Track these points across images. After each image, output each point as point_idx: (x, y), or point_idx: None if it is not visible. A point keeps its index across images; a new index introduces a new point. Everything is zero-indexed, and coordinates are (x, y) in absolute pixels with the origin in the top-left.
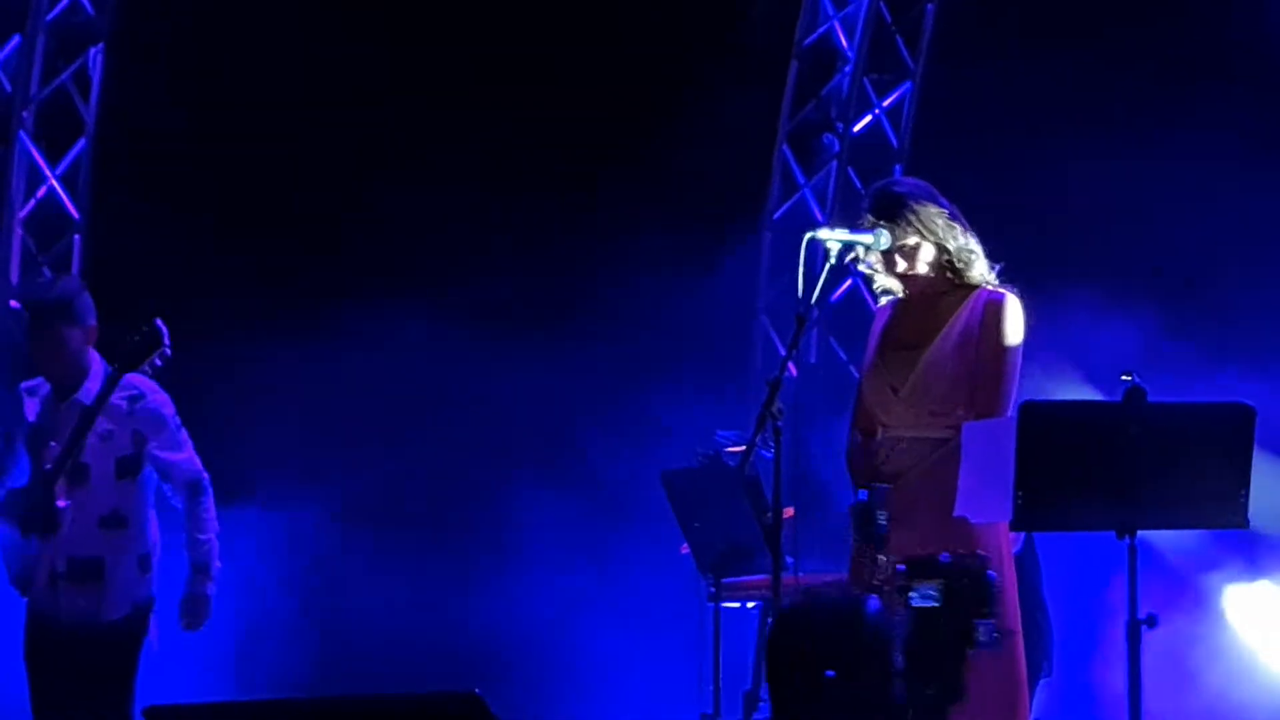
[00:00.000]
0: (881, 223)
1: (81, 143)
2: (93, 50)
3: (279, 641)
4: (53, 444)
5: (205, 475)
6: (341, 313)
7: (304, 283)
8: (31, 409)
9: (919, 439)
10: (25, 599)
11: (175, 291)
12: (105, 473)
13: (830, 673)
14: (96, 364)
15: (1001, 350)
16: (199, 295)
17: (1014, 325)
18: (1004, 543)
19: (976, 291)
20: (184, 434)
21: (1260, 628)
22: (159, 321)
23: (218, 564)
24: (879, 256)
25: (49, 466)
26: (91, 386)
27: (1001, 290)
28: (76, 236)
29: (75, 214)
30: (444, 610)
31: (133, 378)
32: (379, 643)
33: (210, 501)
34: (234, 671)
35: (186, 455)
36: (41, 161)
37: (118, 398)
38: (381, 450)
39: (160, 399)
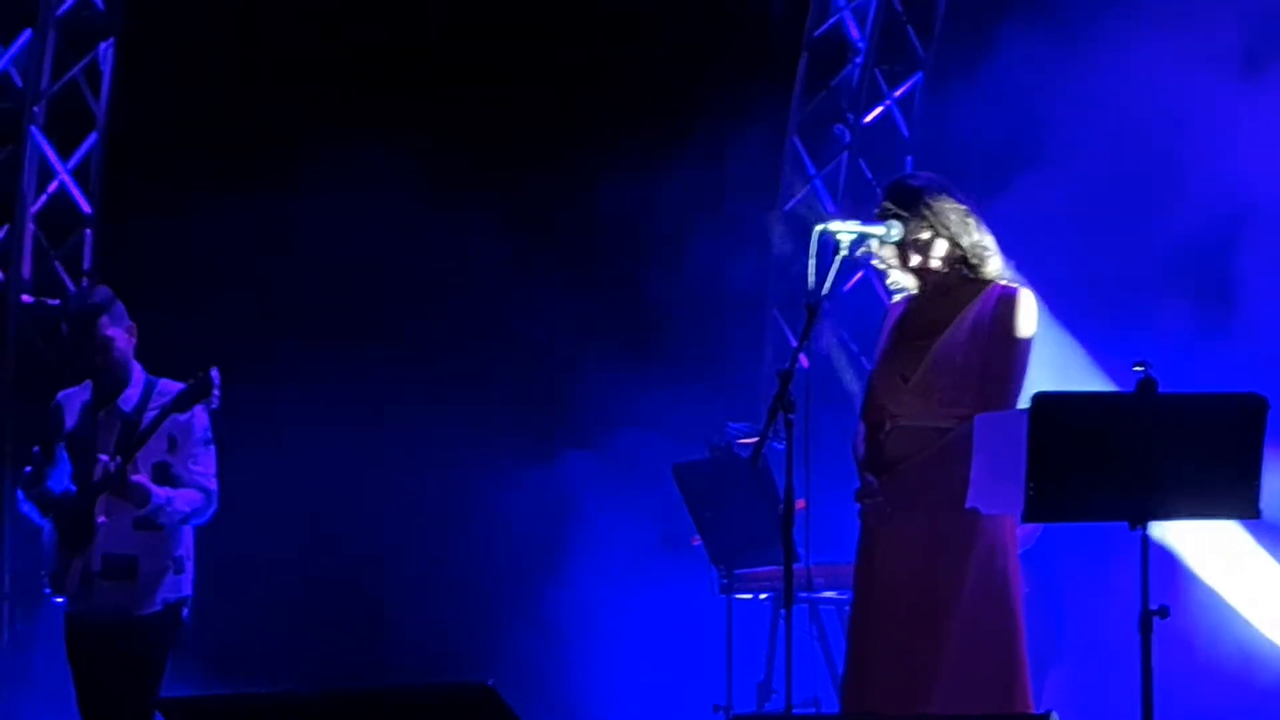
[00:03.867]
0: (896, 216)
1: (93, 137)
2: (103, 45)
3: (289, 632)
4: (103, 457)
5: (215, 492)
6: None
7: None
8: (70, 417)
9: (925, 428)
10: (62, 599)
11: (186, 287)
12: (145, 479)
13: None
14: (137, 371)
15: (1012, 343)
16: (210, 292)
17: (1026, 319)
18: (1008, 533)
19: (990, 286)
20: (211, 450)
21: (1267, 609)
22: (214, 371)
23: (164, 515)
24: (892, 250)
25: (96, 480)
26: (132, 394)
27: (1015, 285)
28: (88, 231)
29: (87, 209)
30: (457, 601)
31: (174, 386)
32: (391, 633)
33: (206, 513)
34: (246, 663)
35: (204, 470)
36: (53, 156)
37: (155, 404)
38: (400, 431)
39: (196, 410)
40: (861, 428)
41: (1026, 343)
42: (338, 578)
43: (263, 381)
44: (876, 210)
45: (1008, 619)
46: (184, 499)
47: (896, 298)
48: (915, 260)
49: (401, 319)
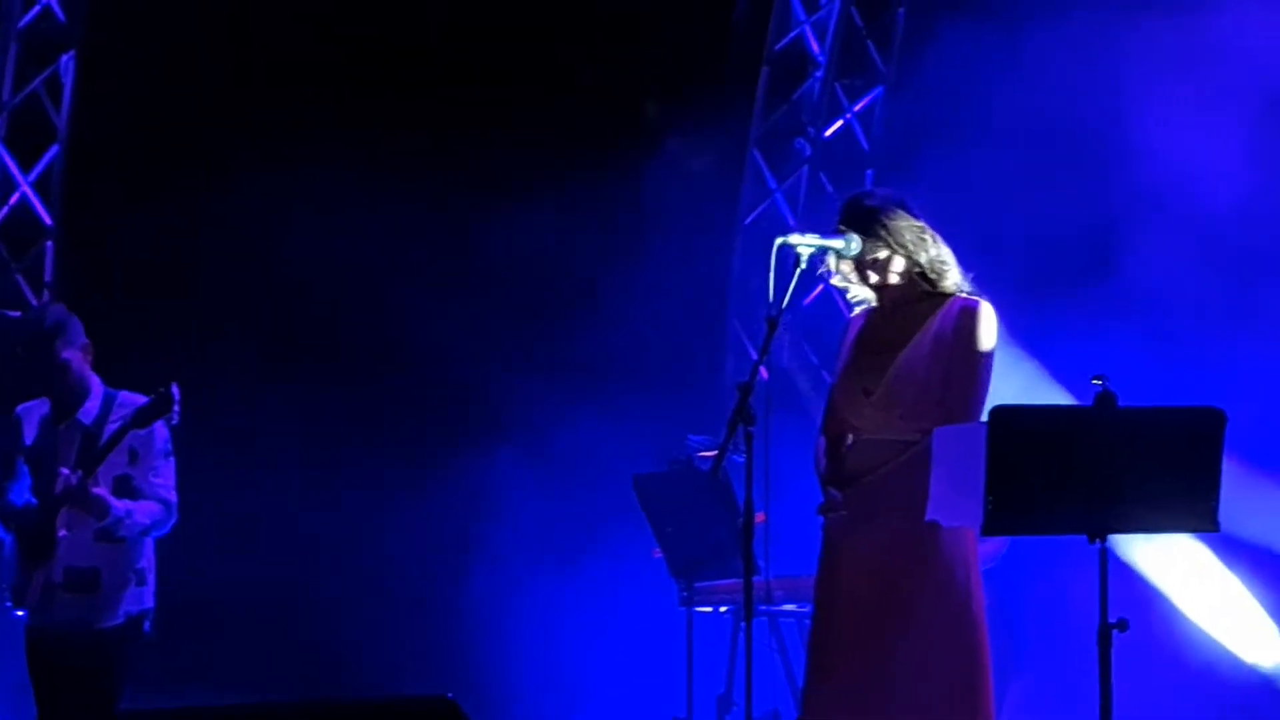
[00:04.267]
0: (853, 235)
1: (54, 149)
2: (64, 57)
3: (250, 642)
4: (63, 470)
5: (175, 504)
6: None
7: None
8: (29, 430)
9: (887, 441)
10: (24, 611)
11: (147, 299)
12: (104, 492)
13: None
14: (96, 384)
15: (973, 356)
16: (172, 302)
17: (987, 332)
18: (970, 547)
19: (950, 299)
20: (171, 463)
21: (1225, 620)
22: (175, 387)
23: (124, 527)
24: (851, 265)
25: (57, 493)
26: (91, 407)
27: (975, 298)
28: (49, 244)
29: (48, 221)
30: (417, 613)
31: (134, 398)
32: (352, 645)
33: (166, 525)
34: (207, 674)
35: (164, 482)
36: (14, 169)
37: (116, 416)
38: (364, 449)
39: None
40: (822, 441)
41: (988, 355)
42: (296, 593)
43: (216, 392)
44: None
45: (970, 632)
46: (144, 511)
47: (857, 310)
48: (874, 278)
49: (360, 332)
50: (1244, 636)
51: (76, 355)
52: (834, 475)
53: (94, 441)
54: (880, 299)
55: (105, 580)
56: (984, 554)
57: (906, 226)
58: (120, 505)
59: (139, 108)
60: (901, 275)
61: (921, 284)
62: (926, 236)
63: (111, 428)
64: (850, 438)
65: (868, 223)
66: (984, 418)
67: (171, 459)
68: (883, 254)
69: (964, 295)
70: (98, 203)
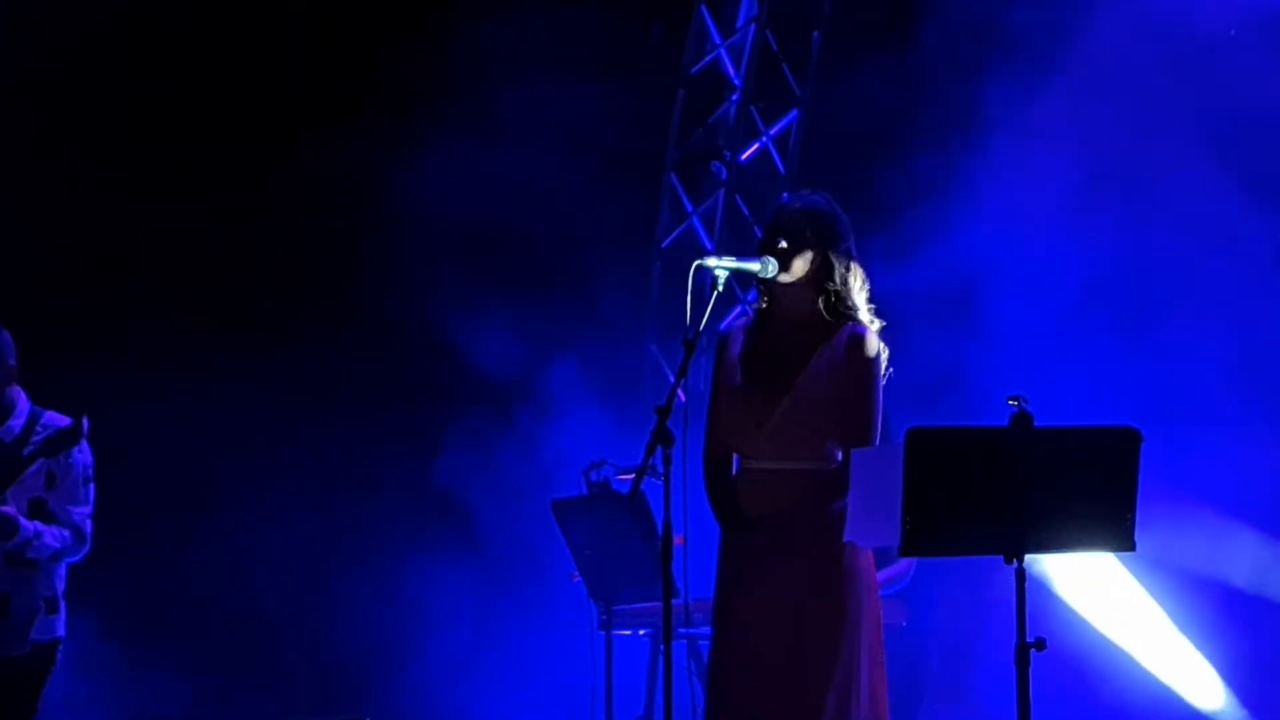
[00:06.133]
0: (769, 259)
1: None
2: None
3: (175, 667)
4: None
5: (89, 533)
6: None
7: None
8: None
9: (784, 471)
10: None
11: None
12: (17, 512)
13: None
14: (22, 401)
15: (868, 380)
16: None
17: (878, 357)
18: (871, 570)
19: (842, 325)
20: (90, 490)
21: (1142, 640)
22: (85, 420)
23: (31, 548)
24: (764, 286)
25: None
26: (14, 424)
27: (863, 324)
28: None
29: None
30: (331, 635)
31: (57, 418)
32: (274, 670)
33: (78, 552)
34: (120, 702)
35: (80, 510)
36: None
37: (38, 437)
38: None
39: (79, 449)
40: (714, 469)
41: (879, 379)
42: (222, 617)
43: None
44: (768, 238)
45: (878, 652)
46: (53, 535)
47: (732, 320)
48: (781, 300)
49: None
50: (1168, 665)
51: None
52: (728, 506)
53: (10, 460)
54: (767, 317)
55: (13, 605)
56: (891, 574)
57: (844, 248)
58: (29, 525)
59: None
60: (809, 298)
61: (826, 302)
62: (852, 263)
63: (30, 449)
64: (740, 466)
65: (815, 232)
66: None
67: (91, 485)
68: (801, 276)
69: (853, 321)
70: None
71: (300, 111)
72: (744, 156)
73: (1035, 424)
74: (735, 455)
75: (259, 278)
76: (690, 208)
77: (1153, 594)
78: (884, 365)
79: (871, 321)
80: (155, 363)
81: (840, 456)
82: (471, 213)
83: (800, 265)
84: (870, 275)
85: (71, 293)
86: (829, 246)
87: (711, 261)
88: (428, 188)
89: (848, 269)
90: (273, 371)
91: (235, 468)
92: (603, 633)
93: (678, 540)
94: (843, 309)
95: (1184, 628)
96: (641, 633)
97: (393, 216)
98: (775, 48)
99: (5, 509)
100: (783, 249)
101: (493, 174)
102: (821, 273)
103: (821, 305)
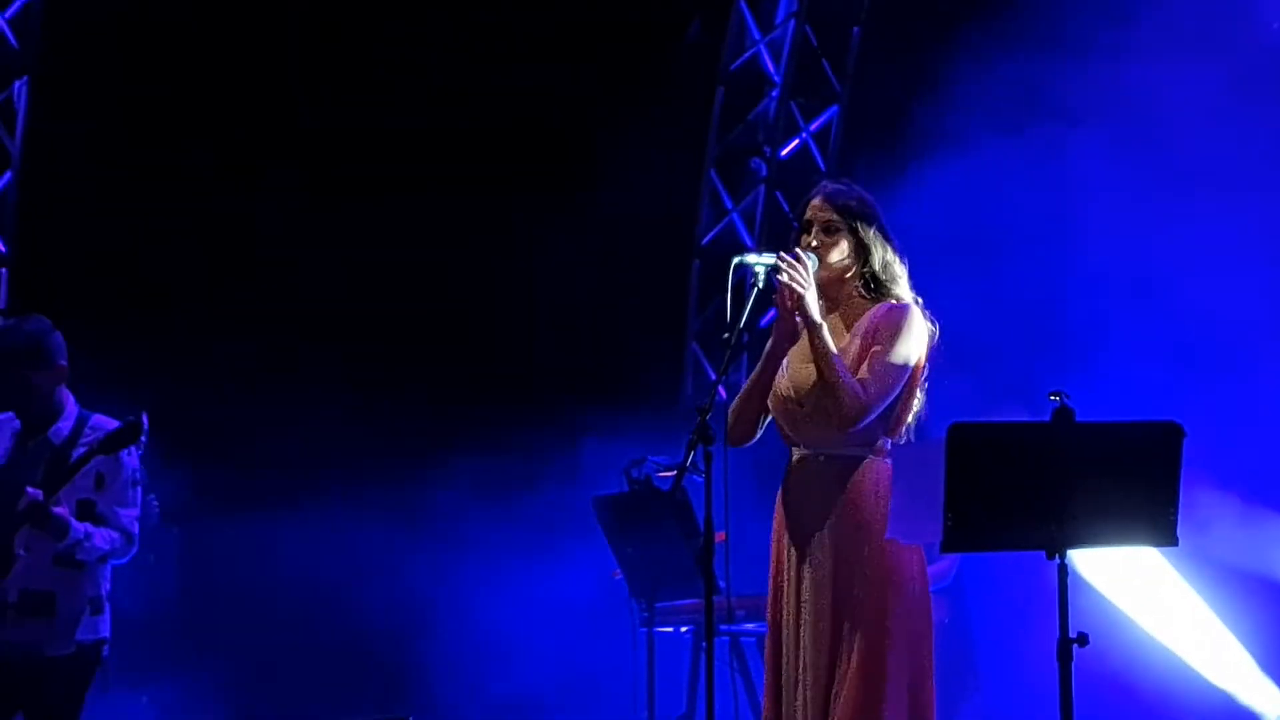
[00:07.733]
0: (834, 226)
1: (8, 176)
2: (17, 83)
3: (217, 667)
4: (29, 490)
5: (137, 535)
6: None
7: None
8: (1, 443)
9: (831, 457)
10: None
11: (101, 327)
12: (68, 513)
13: None
14: (70, 404)
15: (895, 349)
16: (125, 329)
17: (914, 331)
18: (919, 564)
19: (880, 303)
20: (137, 492)
21: (1185, 635)
22: (145, 416)
23: (81, 550)
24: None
25: (20, 510)
26: (63, 427)
27: (903, 301)
28: (4, 270)
29: (3, 248)
30: (377, 637)
31: (106, 422)
32: (315, 667)
33: (125, 554)
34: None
35: (128, 512)
36: None
37: (86, 439)
38: (328, 477)
39: (126, 451)
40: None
41: (909, 355)
42: (256, 620)
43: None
44: (812, 218)
45: (922, 650)
46: (103, 537)
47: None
48: (827, 286)
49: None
50: (1209, 656)
51: (48, 377)
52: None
53: (61, 462)
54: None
55: (60, 605)
56: (935, 573)
57: (878, 228)
58: (80, 527)
59: (94, 134)
60: (849, 282)
61: (867, 286)
62: (890, 241)
63: (80, 450)
64: (793, 453)
65: (850, 217)
66: (880, 411)
67: (139, 488)
68: (838, 264)
69: (892, 299)
70: (53, 229)
71: (300, 111)
72: (784, 153)
73: (1076, 419)
74: (786, 446)
75: (258, 278)
76: (730, 204)
77: (1195, 588)
78: (924, 341)
79: (916, 300)
80: (154, 363)
81: (888, 444)
82: None
83: (837, 255)
84: (911, 272)
85: (71, 292)
86: (862, 230)
87: (752, 258)
88: None
89: (884, 248)
90: (274, 371)
91: (263, 467)
92: (644, 630)
93: (719, 537)
94: (881, 288)
95: (1228, 622)
96: (683, 630)
97: None
98: (815, 43)
99: (58, 510)
100: (817, 245)
101: None
102: (859, 255)
103: (859, 287)
